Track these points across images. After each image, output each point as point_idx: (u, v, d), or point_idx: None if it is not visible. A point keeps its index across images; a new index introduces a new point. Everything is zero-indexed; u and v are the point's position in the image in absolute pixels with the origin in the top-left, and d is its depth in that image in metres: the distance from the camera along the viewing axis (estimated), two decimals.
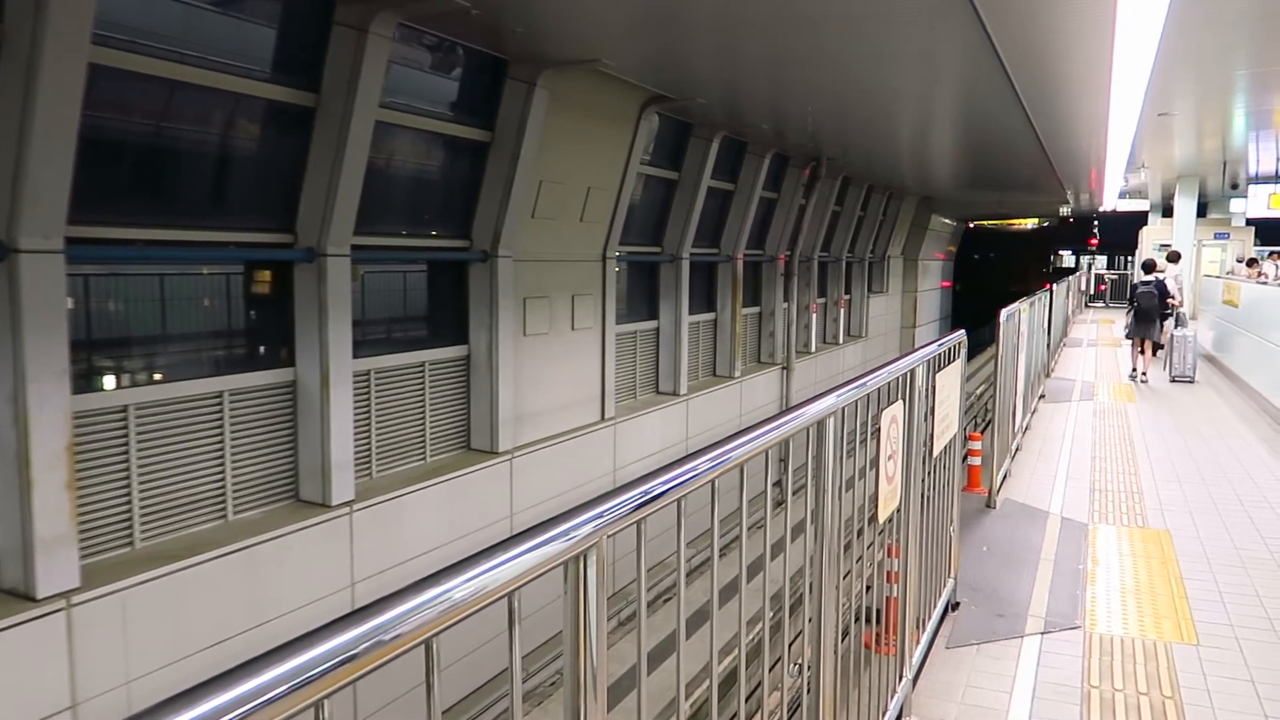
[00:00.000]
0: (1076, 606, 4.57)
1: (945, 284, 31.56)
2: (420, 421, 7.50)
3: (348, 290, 6.30)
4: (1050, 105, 10.11)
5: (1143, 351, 12.46)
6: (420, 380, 7.49)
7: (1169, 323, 13.00)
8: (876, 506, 2.97)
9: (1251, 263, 17.96)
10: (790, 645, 2.90)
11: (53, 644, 4.60)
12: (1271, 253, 21.69)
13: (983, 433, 8.20)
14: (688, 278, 11.52)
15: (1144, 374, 12.35)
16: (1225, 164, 16.74)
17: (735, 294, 13.03)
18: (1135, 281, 13.60)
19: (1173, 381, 12.42)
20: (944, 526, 4.23)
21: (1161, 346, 13.18)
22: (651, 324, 11.32)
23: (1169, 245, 20.44)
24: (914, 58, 7.98)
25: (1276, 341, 10.17)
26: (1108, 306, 29.92)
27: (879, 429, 2.94)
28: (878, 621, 3.27)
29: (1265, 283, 14.12)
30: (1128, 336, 13.34)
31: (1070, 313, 20.45)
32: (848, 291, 19.53)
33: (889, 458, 3.05)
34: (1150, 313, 12.46)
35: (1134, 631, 4.28)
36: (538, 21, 6.72)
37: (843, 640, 2.71)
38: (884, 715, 3.18)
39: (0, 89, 4.25)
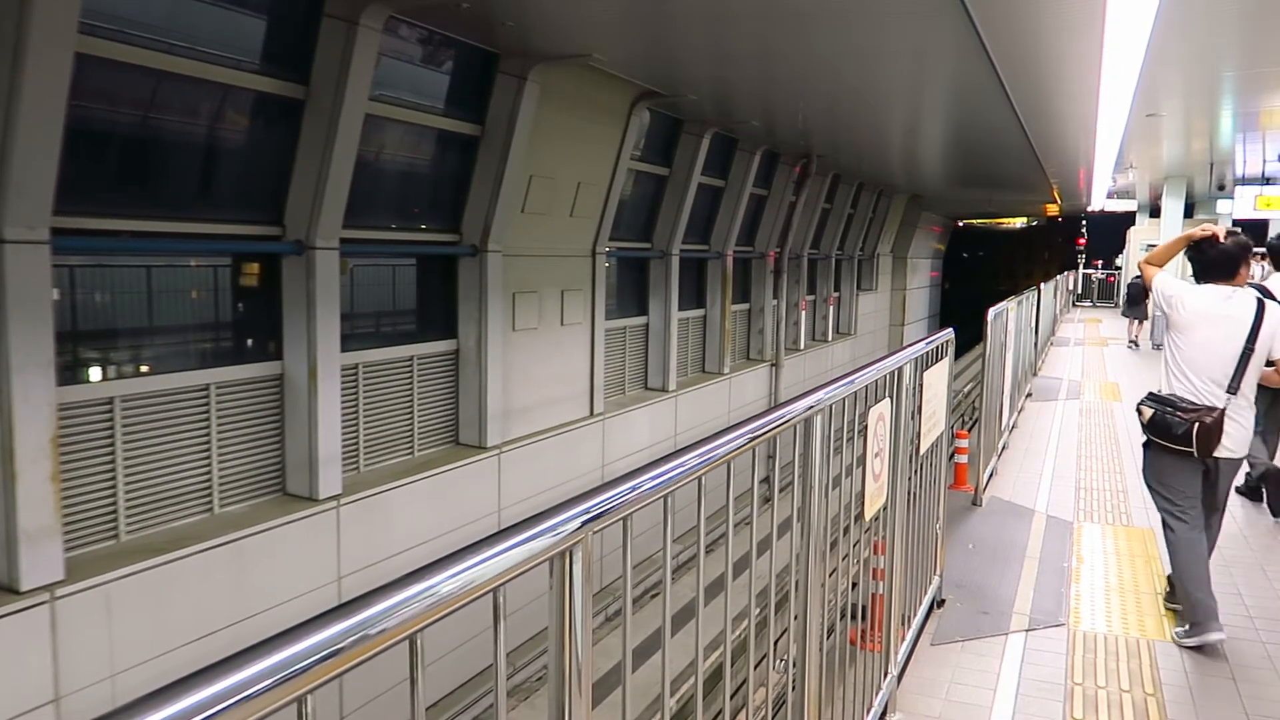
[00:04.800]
0: (1061, 604, 4.60)
1: (933, 274, 31.72)
2: (408, 416, 7.48)
3: (336, 283, 6.28)
4: (1040, 105, 10.14)
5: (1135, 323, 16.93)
6: (408, 374, 7.47)
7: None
8: (863, 504, 2.98)
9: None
10: (776, 642, 2.91)
11: (36, 637, 4.57)
12: (1255, 254, 21.81)
13: (970, 431, 8.24)
14: (677, 274, 11.53)
15: (1134, 340, 16.67)
16: (1212, 165, 16.83)
17: (725, 290, 13.04)
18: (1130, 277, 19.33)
19: (1155, 348, 15.40)
20: (930, 524, 4.25)
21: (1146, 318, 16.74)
22: (641, 320, 11.32)
23: (1155, 245, 20.54)
24: (904, 56, 7.99)
25: None
26: (1095, 305, 30.07)
27: (866, 426, 2.95)
28: (863, 618, 3.29)
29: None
30: (1124, 314, 18.17)
31: (1058, 312, 20.54)
32: (837, 289, 19.57)
33: (876, 455, 3.06)
34: (1138, 297, 16.06)
35: (1117, 629, 4.31)
36: (528, 16, 6.70)
37: (828, 637, 2.72)
38: (869, 712, 3.19)
39: None
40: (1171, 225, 19.43)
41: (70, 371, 5.09)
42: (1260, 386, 4.31)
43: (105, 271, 5.49)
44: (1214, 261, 4.12)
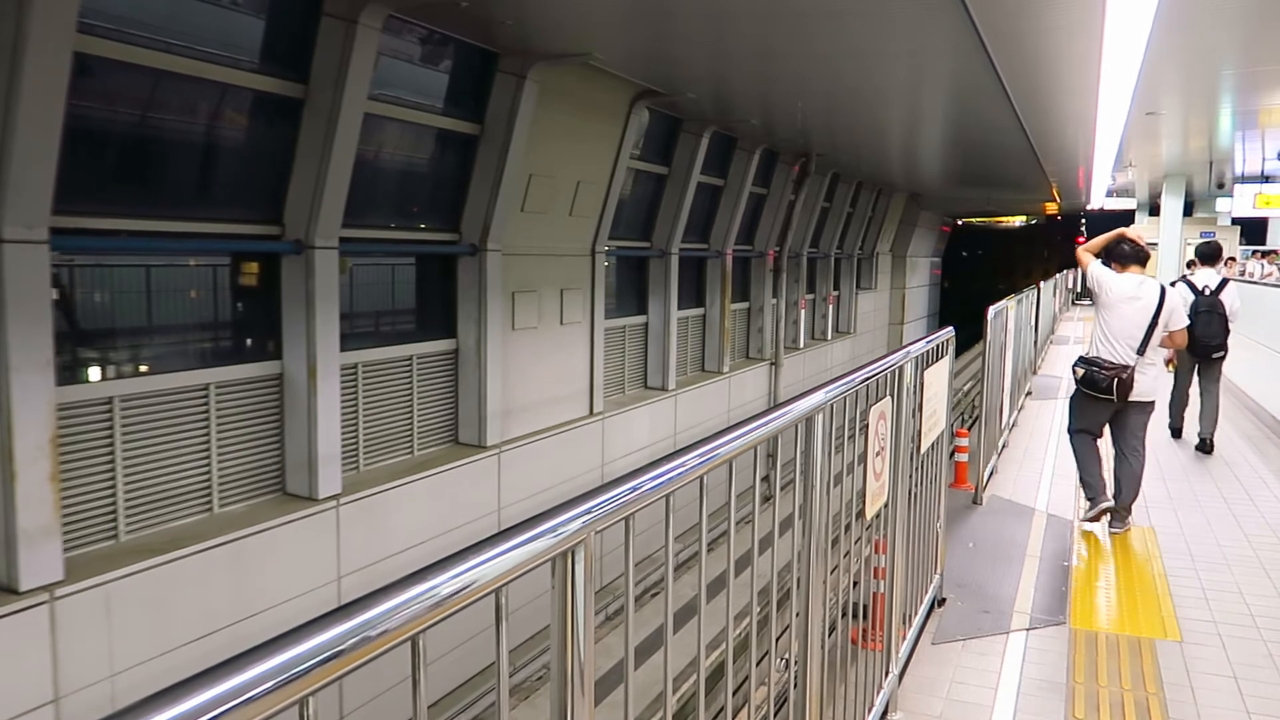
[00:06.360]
0: (1062, 603, 4.60)
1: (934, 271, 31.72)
2: (408, 415, 7.48)
3: (335, 283, 6.27)
4: (1039, 103, 10.14)
5: None
6: (408, 374, 7.46)
7: None
8: (864, 502, 2.98)
9: (1228, 261, 18.35)
10: (777, 640, 2.90)
11: (35, 637, 4.57)
12: (1255, 251, 21.89)
13: (970, 429, 8.24)
14: (677, 273, 11.52)
15: None
16: (1212, 163, 16.85)
17: (724, 289, 13.04)
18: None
19: None
20: (931, 523, 4.25)
21: None
22: (640, 319, 11.32)
23: (1155, 245, 20.65)
24: (903, 54, 7.98)
25: (1259, 339, 10.24)
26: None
27: (867, 425, 2.95)
28: (864, 617, 3.28)
29: (1252, 280, 14.34)
30: None
31: (1057, 310, 20.55)
32: (836, 287, 19.57)
33: (877, 454, 3.06)
34: None
35: (1118, 628, 4.31)
36: (528, 14, 6.69)
37: (829, 635, 2.72)
38: (870, 710, 3.19)
39: None
40: (1171, 223, 19.46)
41: (69, 371, 5.08)
42: (1192, 356, 7.76)
43: (104, 271, 5.48)
44: (1129, 254, 5.69)
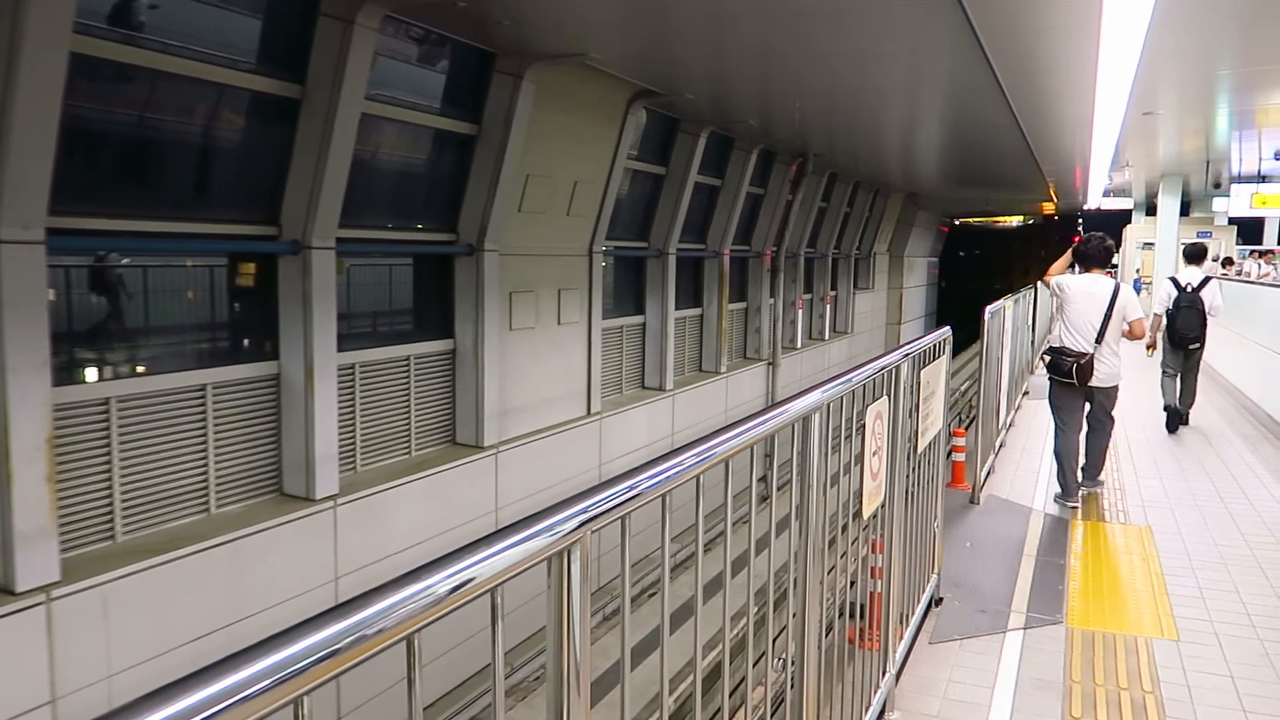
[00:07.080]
0: (1058, 602, 4.60)
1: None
2: (405, 416, 7.47)
3: (332, 283, 6.27)
4: (1036, 104, 10.15)
5: None
6: (405, 374, 7.46)
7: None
8: (861, 502, 2.98)
9: (1228, 261, 18.45)
10: (774, 640, 2.91)
11: (32, 638, 4.56)
12: (1252, 251, 21.91)
13: (967, 429, 8.24)
14: (674, 273, 11.52)
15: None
16: (1208, 163, 16.84)
17: (722, 289, 13.04)
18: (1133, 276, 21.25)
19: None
20: (928, 522, 4.25)
21: None
22: (638, 319, 11.32)
23: (1152, 244, 20.66)
24: (901, 55, 7.99)
25: (1255, 339, 10.25)
26: None
27: (864, 425, 2.95)
28: (861, 617, 3.28)
29: (1249, 280, 14.38)
30: None
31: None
32: (834, 287, 19.57)
33: (874, 454, 3.06)
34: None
35: (1115, 627, 4.31)
36: (525, 14, 6.69)
37: (826, 635, 2.72)
38: (867, 710, 3.19)
39: None
40: (1168, 223, 19.45)
41: (66, 372, 5.07)
42: (1173, 348, 8.65)
43: (101, 271, 5.47)
44: (1092, 255, 6.31)
